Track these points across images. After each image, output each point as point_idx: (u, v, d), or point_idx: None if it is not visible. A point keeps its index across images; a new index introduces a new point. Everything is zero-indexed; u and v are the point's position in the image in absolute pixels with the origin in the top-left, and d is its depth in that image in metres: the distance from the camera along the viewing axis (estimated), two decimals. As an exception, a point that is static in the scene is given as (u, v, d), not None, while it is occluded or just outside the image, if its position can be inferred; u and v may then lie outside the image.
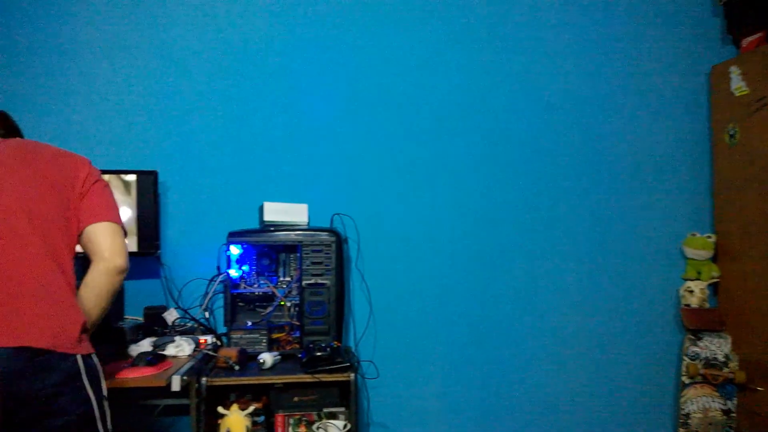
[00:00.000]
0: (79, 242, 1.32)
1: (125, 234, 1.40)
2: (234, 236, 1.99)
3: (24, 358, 1.07)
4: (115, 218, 1.36)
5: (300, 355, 1.87)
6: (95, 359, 1.22)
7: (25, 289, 1.14)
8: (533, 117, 2.41)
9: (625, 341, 2.42)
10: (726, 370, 2.27)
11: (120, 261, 1.31)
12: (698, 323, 2.33)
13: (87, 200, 1.33)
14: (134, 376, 1.56)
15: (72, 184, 1.32)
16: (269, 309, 2.05)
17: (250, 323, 2.00)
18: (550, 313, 2.39)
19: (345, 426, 1.82)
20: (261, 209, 2.10)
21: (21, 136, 1.49)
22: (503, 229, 2.38)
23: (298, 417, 1.90)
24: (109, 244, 1.31)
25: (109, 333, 1.84)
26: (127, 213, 2.02)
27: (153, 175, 2.06)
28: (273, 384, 1.84)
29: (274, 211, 2.07)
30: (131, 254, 2.00)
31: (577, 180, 2.42)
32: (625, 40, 2.45)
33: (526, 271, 2.38)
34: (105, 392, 1.23)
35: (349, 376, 1.78)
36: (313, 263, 1.99)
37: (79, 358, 1.16)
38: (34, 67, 2.16)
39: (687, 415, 2.31)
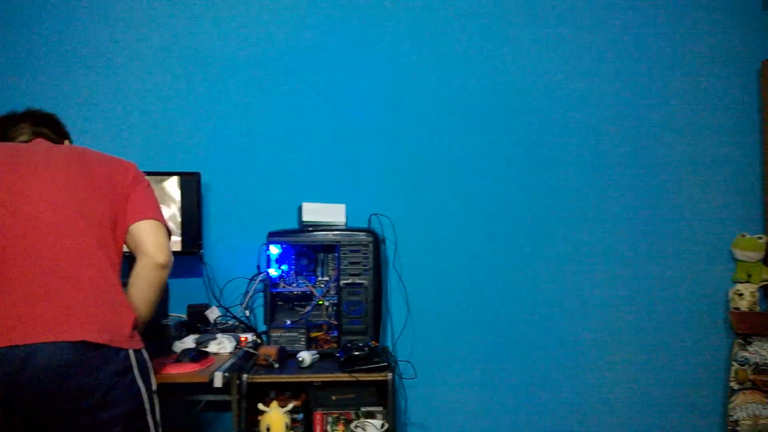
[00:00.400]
0: (124, 241, 1.37)
1: (169, 232, 1.44)
2: (273, 236, 2.02)
3: (81, 351, 1.11)
4: (158, 216, 1.40)
5: (338, 354, 1.89)
6: (145, 354, 1.26)
7: (84, 286, 1.18)
8: (573, 117, 2.36)
9: (672, 345, 2.34)
10: (778, 376, 2.19)
11: (162, 256, 1.35)
12: (748, 327, 2.24)
13: (132, 200, 1.38)
14: (179, 371, 1.60)
15: (119, 186, 1.37)
16: (308, 308, 2.08)
17: (289, 322, 2.03)
18: (592, 315, 2.34)
19: (383, 425, 1.82)
20: (300, 210, 2.13)
21: (70, 140, 1.56)
22: (544, 229, 2.34)
23: (336, 415, 1.91)
24: (152, 241, 1.35)
25: (155, 330, 1.90)
26: (171, 213, 2.08)
27: (196, 176, 2.12)
28: (311, 382, 1.86)
29: (313, 212, 2.09)
30: (175, 253, 2.07)
31: (622, 179, 2.36)
32: (673, 37, 2.38)
33: (568, 272, 2.34)
34: (154, 386, 1.27)
35: (386, 376, 1.79)
36: (351, 263, 2.01)
37: (131, 352, 1.20)
38: (88, 74, 2.25)
39: (736, 422, 2.22)
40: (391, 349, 2.21)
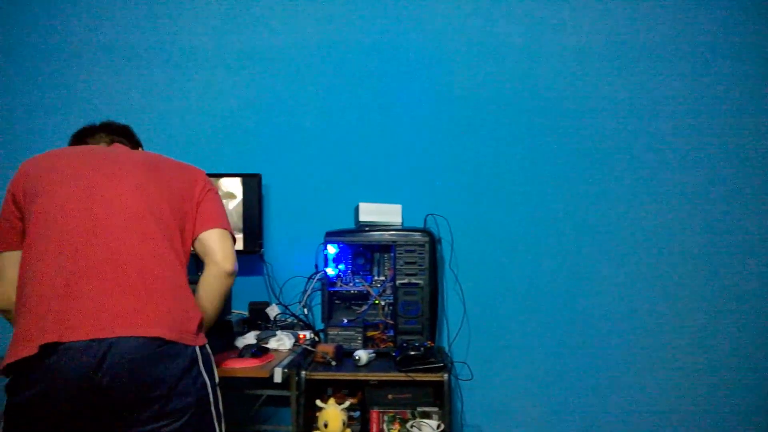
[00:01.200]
0: (193, 246, 1.44)
1: (234, 239, 1.50)
2: (331, 236, 2.05)
3: (155, 346, 1.18)
4: (225, 225, 1.47)
5: (394, 354, 1.89)
6: (209, 350, 1.32)
7: (158, 285, 1.25)
8: (639, 116, 2.27)
9: (746, 349, 2.20)
10: None
11: (229, 265, 1.43)
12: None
13: (202, 208, 1.45)
14: (241, 366, 1.66)
15: (190, 193, 1.44)
16: (364, 307, 2.10)
17: (346, 321, 2.06)
18: (652, 316, 2.24)
19: (439, 426, 1.82)
20: (356, 210, 2.16)
21: (143, 148, 1.65)
22: (606, 230, 2.26)
23: (392, 414, 1.92)
24: (220, 249, 1.42)
25: (219, 325, 1.98)
26: (234, 214, 2.16)
27: (257, 178, 2.19)
28: (368, 381, 1.88)
29: (369, 212, 2.11)
30: (237, 252, 2.15)
31: (686, 180, 2.25)
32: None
33: (631, 273, 2.25)
34: (217, 379, 1.33)
35: (442, 377, 1.78)
36: (407, 263, 2.01)
37: (197, 348, 1.26)
38: (153, 77, 2.37)
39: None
40: (447, 349, 2.20)
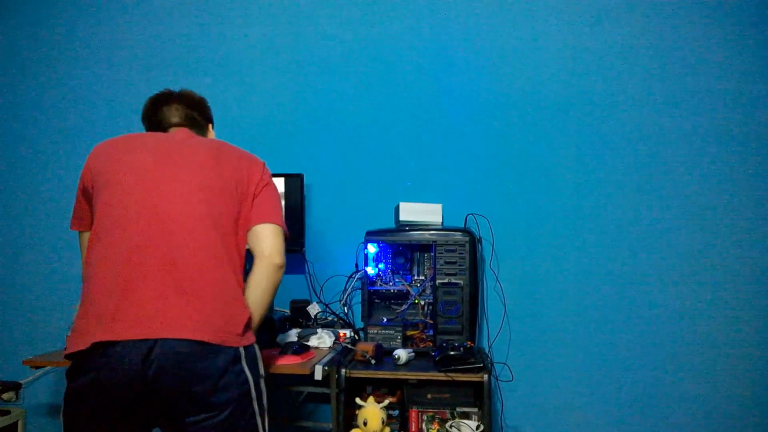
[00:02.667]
0: (246, 237, 1.46)
1: (286, 235, 1.52)
2: (371, 235, 2.07)
3: (197, 347, 1.23)
4: (279, 221, 1.49)
5: (433, 354, 1.89)
6: (256, 348, 1.36)
7: (208, 289, 1.29)
8: (690, 119, 2.19)
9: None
10: None
11: (278, 259, 1.45)
12: None
13: (258, 201, 1.47)
14: (282, 363, 1.69)
15: (247, 185, 1.46)
16: (404, 306, 2.11)
17: (385, 320, 2.07)
18: (698, 319, 2.16)
19: (478, 427, 1.80)
20: (397, 209, 2.16)
21: (213, 124, 1.69)
22: (651, 232, 2.19)
23: (431, 414, 1.92)
24: (270, 243, 1.44)
25: (264, 323, 2.03)
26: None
27: (299, 178, 2.23)
28: (407, 380, 1.88)
29: (409, 211, 2.11)
30: (280, 251, 2.20)
31: (737, 182, 2.17)
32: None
33: (682, 274, 2.17)
34: (262, 373, 1.36)
35: (482, 377, 1.76)
36: (447, 263, 2.00)
37: (241, 349, 1.30)
38: (199, 82, 2.44)
39: None
40: (487, 350, 2.18)
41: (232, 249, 1.38)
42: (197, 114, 1.61)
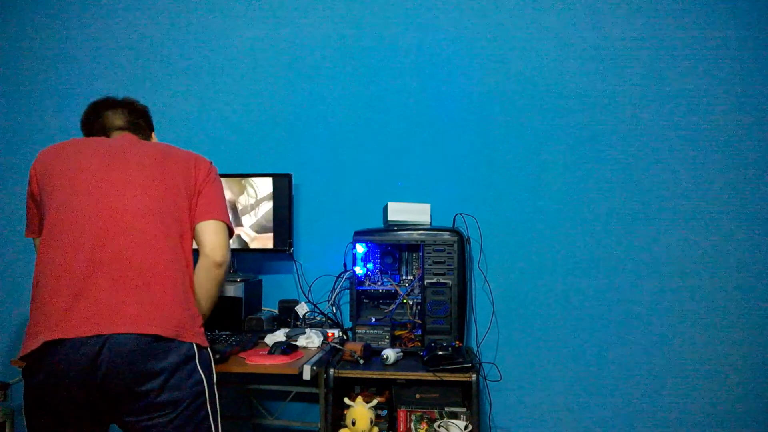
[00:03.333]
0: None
1: (231, 231, 1.52)
2: (359, 235, 2.07)
3: (151, 341, 1.23)
4: (222, 216, 1.49)
5: (422, 353, 1.89)
6: (209, 351, 1.36)
7: (161, 285, 1.30)
8: (676, 118, 2.21)
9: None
10: None
11: (217, 256, 1.43)
12: None
13: (201, 198, 1.47)
14: (270, 363, 1.69)
15: (192, 182, 1.47)
16: (392, 306, 2.11)
17: (374, 319, 2.07)
18: (688, 319, 2.17)
19: (466, 427, 1.81)
20: (385, 209, 2.16)
21: (154, 133, 1.68)
22: (638, 231, 2.21)
23: (419, 414, 1.92)
24: (210, 240, 1.44)
25: (250, 322, 2.02)
26: (265, 213, 2.20)
27: (287, 178, 2.22)
28: (395, 379, 1.88)
29: (398, 211, 2.12)
30: (268, 251, 2.19)
31: (722, 180, 2.19)
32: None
33: (668, 274, 2.19)
34: (215, 377, 1.36)
35: (470, 377, 1.77)
36: (435, 262, 2.01)
37: (194, 345, 1.30)
38: (187, 81, 2.43)
39: None
40: (475, 350, 2.18)
41: (183, 246, 1.39)
42: (142, 120, 1.62)
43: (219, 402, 1.35)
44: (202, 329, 1.37)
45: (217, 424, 1.33)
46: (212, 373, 1.35)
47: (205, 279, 1.44)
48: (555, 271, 2.23)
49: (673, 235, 2.20)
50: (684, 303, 2.18)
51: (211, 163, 1.56)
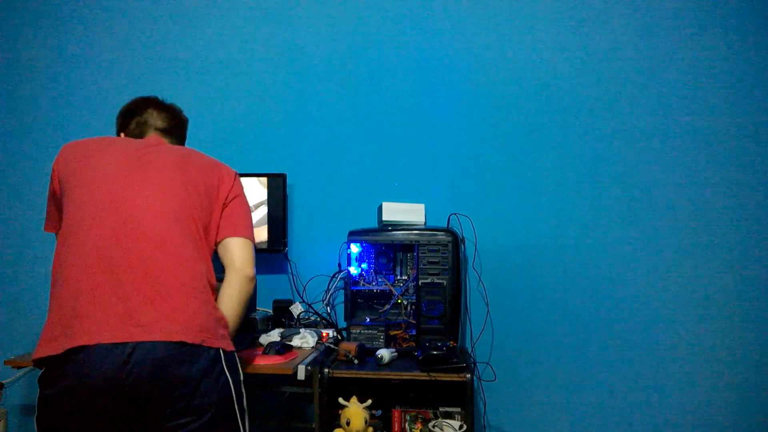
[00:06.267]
0: (216, 248, 1.47)
1: (256, 248, 1.55)
2: (354, 235, 2.07)
3: (177, 349, 1.22)
4: (249, 234, 1.52)
5: (416, 353, 1.89)
6: (235, 355, 1.36)
7: (183, 292, 1.28)
8: (672, 117, 2.23)
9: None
10: None
11: (249, 270, 1.47)
12: None
13: (229, 213, 1.48)
14: (264, 363, 1.68)
15: (218, 192, 1.47)
16: (387, 306, 2.11)
17: (368, 319, 2.07)
18: (683, 320, 2.19)
19: (461, 427, 1.81)
20: (380, 209, 2.16)
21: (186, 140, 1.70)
22: (635, 229, 2.22)
23: (414, 414, 1.93)
24: (241, 256, 1.47)
25: (244, 323, 2.01)
26: (259, 213, 2.19)
27: (282, 177, 2.21)
28: (390, 379, 1.88)
29: (393, 211, 2.12)
30: (262, 251, 2.19)
31: (723, 176, 2.20)
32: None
33: (663, 274, 2.20)
34: (242, 376, 1.35)
35: (464, 377, 1.77)
36: (430, 262, 2.01)
37: (221, 350, 1.29)
38: (181, 81, 2.42)
39: None
40: (470, 350, 2.19)
41: (203, 252, 1.39)
42: (180, 130, 1.64)
43: (246, 400, 1.36)
44: (227, 332, 1.36)
45: (245, 423, 1.34)
46: (239, 373, 1.35)
47: (236, 294, 1.44)
48: (550, 271, 2.24)
49: (669, 233, 2.21)
50: (679, 303, 2.19)
51: (236, 174, 1.57)
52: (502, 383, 2.19)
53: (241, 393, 1.34)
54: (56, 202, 1.42)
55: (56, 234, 1.48)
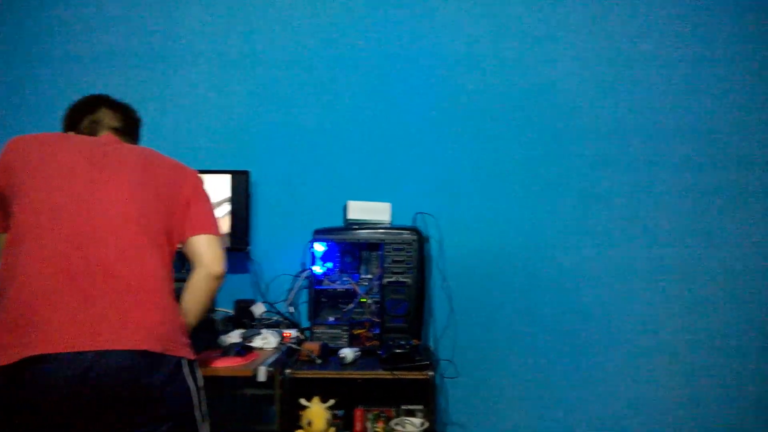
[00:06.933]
0: (182, 249, 1.44)
1: (224, 244, 1.51)
2: (319, 234, 2.05)
3: (140, 357, 1.18)
4: (216, 231, 1.48)
5: (380, 352, 1.90)
6: (196, 362, 1.33)
7: (144, 299, 1.24)
8: (626, 117, 2.28)
9: (730, 345, 2.24)
10: None
11: (217, 268, 1.43)
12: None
13: (192, 212, 1.44)
14: (225, 365, 1.66)
15: (178, 194, 1.43)
16: (351, 306, 2.10)
17: (332, 319, 2.06)
18: (644, 316, 2.25)
19: (422, 424, 1.82)
20: (345, 208, 2.15)
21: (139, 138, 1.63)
22: (593, 228, 2.27)
23: (376, 412, 1.93)
24: (208, 252, 1.43)
25: (203, 324, 1.97)
26: (222, 211, 2.15)
27: (245, 175, 2.18)
28: (353, 379, 1.88)
29: (358, 210, 2.11)
30: (225, 250, 2.14)
31: (682, 175, 2.28)
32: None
33: (624, 271, 2.26)
34: (201, 383, 1.33)
35: (427, 375, 1.78)
36: (395, 261, 2.01)
37: (183, 359, 1.27)
38: (139, 73, 2.35)
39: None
40: (433, 347, 2.20)
41: (165, 256, 1.35)
42: (134, 129, 1.58)
43: (206, 404, 1.34)
44: (189, 341, 1.34)
45: (205, 428, 1.33)
46: (199, 379, 1.33)
47: (202, 291, 1.42)
48: (512, 270, 2.27)
49: (635, 235, 2.27)
50: (652, 302, 2.26)
51: (197, 174, 1.52)
52: (465, 380, 2.21)
53: (201, 399, 1.32)
54: (2, 200, 1.35)
55: (2, 235, 1.41)
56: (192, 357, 1.31)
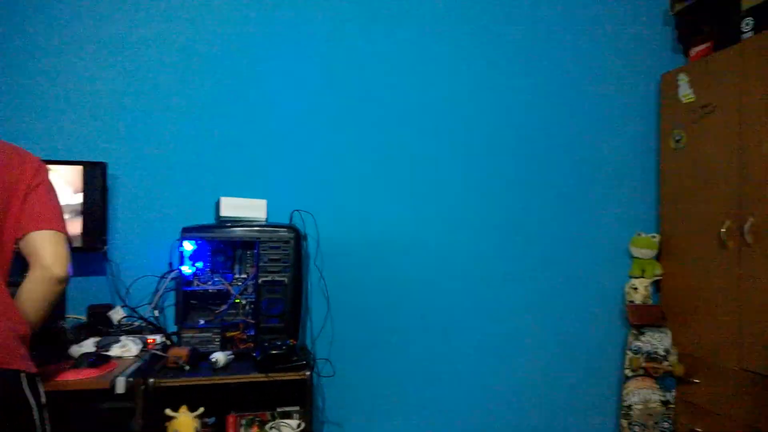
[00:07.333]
0: (18, 246, 1.26)
1: (70, 242, 1.34)
2: (188, 232, 1.92)
3: None
4: (59, 226, 1.31)
5: (254, 354, 1.83)
6: (37, 376, 1.20)
7: None
8: (491, 121, 2.45)
9: (574, 336, 2.50)
10: (666, 363, 2.39)
11: (60, 270, 1.27)
12: (641, 319, 2.43)
13: (30, 204, 1.27)
14: (75, 378, 1.48)
15: (16, 185, 1.26)
16: (223, 307, 2.00)
17: (202, 322, 1.94)
18: (502, 311, 2.44)
19: (299, 425, 1.79)
20: (217, 204, 2.04)
21: None
22: (459, 228, 2.40)
23: (250, 417, 1.86)
24: (50, 253, 1.26)
25: (48, 333, 1.74)
26: (73, 206, 1.92)
27: (101, 166, 1.96)
28: (226, 384, 1.79)
29: (232, 207, 2.01)
30: (76, 250, 1.92)
31: (528, 183, 2.47)
32: (580, 48, 2.52)
33: (479, 269, 2.42)
34: (44, 399, 1.20)
35: (304, 375, 1.76)
36: (271, 260, 1.95)
37: (21, 373, 1.14)
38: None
39: (629, 407, 2.41)
40: (310, 347, 2.18)
41: (1, 258, 1.20)
42: None
43: (50, 424, 1.20)
44: (28, 353, 1.19)
45: None
46: (41, 396, 1.18)
47: (40, 296, 1.25)
48: (389, 267, 2.33)
49: (493, 231, 2.43)
50: (505, 295, 2.43)
51: (40, 160, 1.33)
52: (341, 378, 2.22)
53: (44, 418, 1.18)
54: None
55: None
56: (33, 370, 1.18)
